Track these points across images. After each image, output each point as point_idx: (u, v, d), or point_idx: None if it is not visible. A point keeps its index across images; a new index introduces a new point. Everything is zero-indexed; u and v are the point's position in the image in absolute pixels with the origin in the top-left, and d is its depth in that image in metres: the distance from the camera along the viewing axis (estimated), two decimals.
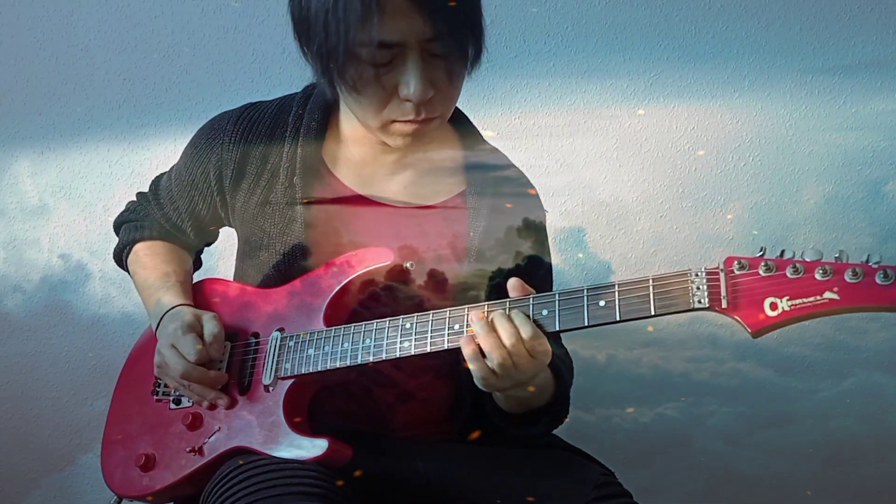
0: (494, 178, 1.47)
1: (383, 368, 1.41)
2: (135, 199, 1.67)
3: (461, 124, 1.51)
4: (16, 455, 2.19)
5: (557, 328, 1.20)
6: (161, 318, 1.45)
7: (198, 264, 1.66)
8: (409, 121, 1.32)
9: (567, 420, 1.39)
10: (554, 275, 1.53)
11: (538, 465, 1.39)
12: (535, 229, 1.47)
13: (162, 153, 2.11)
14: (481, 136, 1.52)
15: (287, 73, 1.48)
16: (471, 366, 1.22)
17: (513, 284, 1.24)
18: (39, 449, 2.18)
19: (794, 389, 2.18)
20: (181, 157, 1.56)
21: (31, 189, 2.16)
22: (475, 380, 1.23)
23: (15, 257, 2.17)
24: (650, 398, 2.20)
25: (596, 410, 2.19)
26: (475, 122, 1.50)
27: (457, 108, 1.48)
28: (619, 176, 2.12)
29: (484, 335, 1.21)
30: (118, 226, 1.67)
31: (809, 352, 2.18)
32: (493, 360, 1.20)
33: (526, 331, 1.20)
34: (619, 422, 2.20)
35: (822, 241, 2.13)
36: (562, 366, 1.37)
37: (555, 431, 1.45)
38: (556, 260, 2.06)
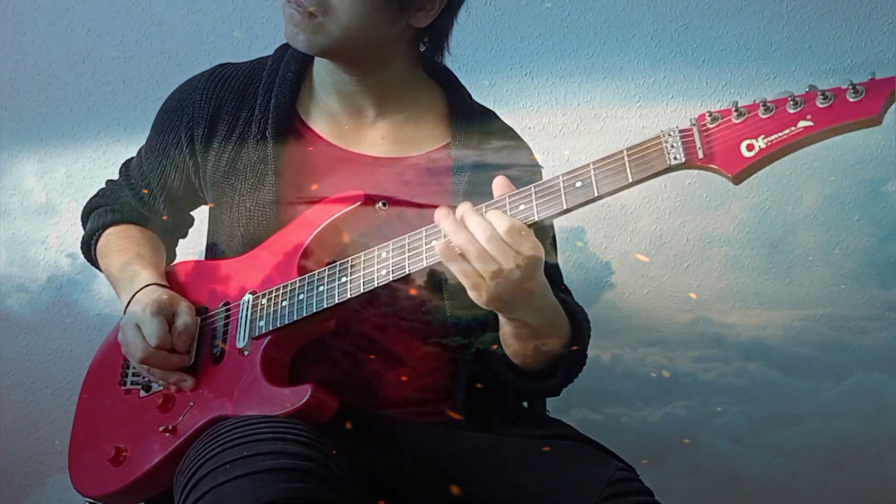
0: (481, 131, 1.41)
1: (367, 332, 1.33)
2: (104, 185, 1.59)
3: (445, 78, 1.47)
4: (22, 454, 2.19)
5: (536, 218, 1.13)
6: (133, 297, 1.36)
7: (171, 256, 1.57)
8: (290, 1, 1.29)
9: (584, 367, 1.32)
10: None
11: (548, 457, 1.29)
12: (528, 181, 1.40)
13: None
14: (467, 92, 1.47)
15: None
16: (452, 268, 1.13)
17: (497, 183, 1.17)
18: (45, 448, 2.18)
19: (797, 389, 2.18)
20: (152, 128, 1.49)
21: (37, 188, 2.15)
22: (468, 290, 1.14)
23: (18, 257, 2.16)
24: (656, 398, 2.19)
25: (603, 409, 2.19)
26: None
27: (443, 65, 1.46)
28: None
29: (454, 232, 1.13)
30: (87, 213, 1.57)
31: (809, 351, 2.18)
32: (471, 255, 1.11)
33: (501, 224, 1.11)
34: (627, 421, 2.19)
35: (823, 242, 2.13)
36: (576, 308, 1.31)
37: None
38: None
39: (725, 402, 2.19)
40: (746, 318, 2.17)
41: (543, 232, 1.41)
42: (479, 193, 1.29)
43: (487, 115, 1.48)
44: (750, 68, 2.09)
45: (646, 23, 2.09)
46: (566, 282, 1.47)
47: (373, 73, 1.39)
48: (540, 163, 1.46)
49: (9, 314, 2.18)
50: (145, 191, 1.49)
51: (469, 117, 1.43)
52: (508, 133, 1.47)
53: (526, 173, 1.38)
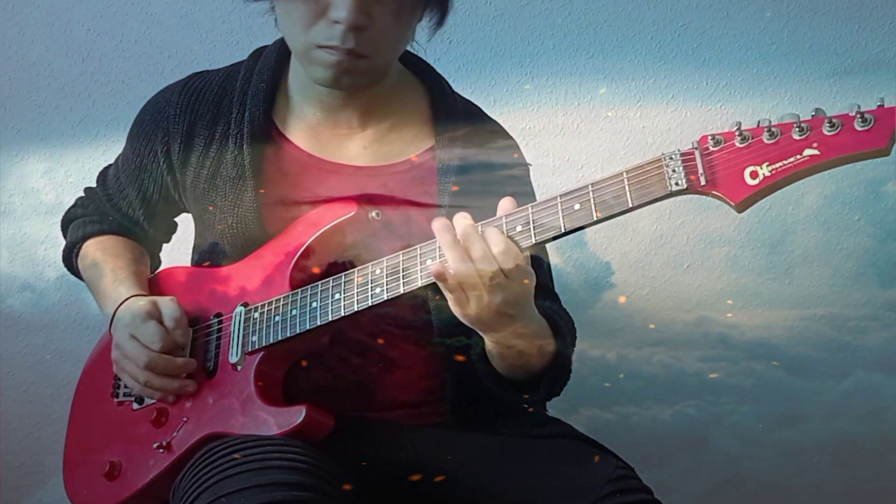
0: (466, 130, 1.37)
1: (360, 338, 1.31)
2: (83, 194, 1.56)
3: (424, 73, 1.43)
4: (23, 454, 2.19)
5: (534, 241, 1.11)
6: (114, 314, 1.34)
7: (156, 263, 1.55)
8: (331, 47, 1.22)
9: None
10: (554, 275, 1.47)
11: (547, 456, 1.28)
12: (516, 179, 1.38)
13: None
14: (449, 87, 1.43)
15: None
16: (439, 284, 1.11)
17: (503, 205, 1.14)
18: (45, 448, 2.18)
19: (798, 389, 2.18)
20: (127, 140, 1.46)
21: (38, 187, 2.14)
22: (451, 306, 1.13)
23: (20, 257, 2.16)
24: (663, 398, 2.19)
25: (614, 408, 2.19)
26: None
27: (421, 59, 1.42)
28: None
29: (449, 247, 1.10)
30: (65, 224, 1.55)
31: (809, 351, 2.18)
32: (459, 274, 1.09)
33: (497, 245, 1.09)
34: (638, 420, 2.19)
35: (823, 242, 2.13)
36: (560, 321, 1.28)
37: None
38: (555, 260, 2.06)
39: (724, 402, 2.20)
40: (747, 318, 2.17)
41: (522, 184, 1.39)
42: (464, 196, 1.30)
43: (471, 111, 1.43)
44: (750, 68, 2.09)
45: (646, 23, 2.09)
46: (566, 282, 1.46)
47: (369, 88, 1.34)
48: (527, 161, 1.43)
49: (10, 314, 2.18)
50: (123, 203, 1.47)
51: (452, 116, 1.38)
52: (493, 129, 1.43)
53: (512, 173, 1.38)
